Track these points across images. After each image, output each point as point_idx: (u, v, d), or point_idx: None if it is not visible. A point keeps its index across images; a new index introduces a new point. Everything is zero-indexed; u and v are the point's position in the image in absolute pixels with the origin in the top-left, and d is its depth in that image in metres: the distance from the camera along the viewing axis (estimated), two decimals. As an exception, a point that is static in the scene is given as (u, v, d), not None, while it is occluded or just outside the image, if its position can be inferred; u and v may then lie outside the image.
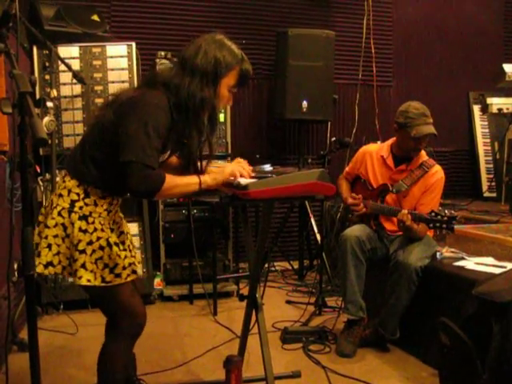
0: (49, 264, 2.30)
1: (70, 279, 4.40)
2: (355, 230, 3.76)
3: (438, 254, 3.73)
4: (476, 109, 6.62)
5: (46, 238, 2.30)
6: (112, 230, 2.42)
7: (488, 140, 6.59)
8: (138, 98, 2.27)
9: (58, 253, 2.31)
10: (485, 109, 5.72)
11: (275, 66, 5.70)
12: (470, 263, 3.51)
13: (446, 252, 3.82)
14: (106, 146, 2.28)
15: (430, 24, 6.54)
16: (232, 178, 2.43)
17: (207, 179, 2.36)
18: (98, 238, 2.31)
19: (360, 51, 6.16)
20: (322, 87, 5.42)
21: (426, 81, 6.52)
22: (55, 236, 2.30)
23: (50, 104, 4.16)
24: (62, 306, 4.36)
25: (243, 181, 2.37)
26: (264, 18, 5.92)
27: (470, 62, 6.68)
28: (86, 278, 2.27)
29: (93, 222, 2.32)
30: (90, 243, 2.29)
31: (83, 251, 2.28)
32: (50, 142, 4.25)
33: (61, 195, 2.33)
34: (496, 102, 5.56)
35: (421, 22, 6.51)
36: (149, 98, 2.24)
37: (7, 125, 3.47)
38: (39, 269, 2.28)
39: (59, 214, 2.30)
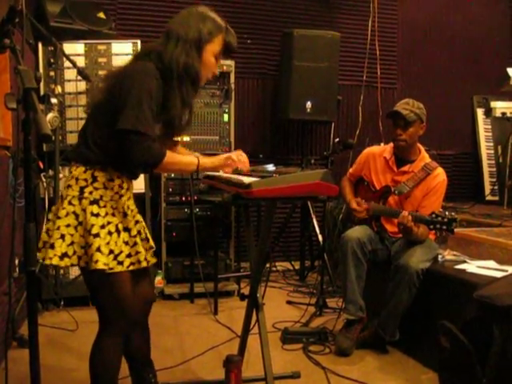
0: (64, 255, 2.27)
1: (71, 273, 4.43)
2: (356, 232, 3.76)
3: (439, 256, 3.73)
4: (480, 112, 6.62)
5: (59, 228, 2.27)
6: (125, 215, 2.41)
7: (491, 144, 6.59)
8: (128, 69, 2.32)
9: (72, 243, 2.28)
10: (488, 112, 5.73)
11: (280, 67, 5.70)
12: (472, 266, 3.51)
13: (447, 255, 3.82)
14: (104, 123, 2.29)
15: (435, 27, 6.54)
16: (232, 175, 2.50)
17: (206, 161, 2.44)
18: (108, 223, 2.32)
19: (365, 53, 6.16)
20: (327, 88, 5.42)
21: (430, 84, 6.52)
22: (67, 225, 2.28)
23: (54, 100, 4.17)
24: (62, 303, 4.36)
25: (246, 179, 2.38)
26: (269, 18, 5.92)
27: (475, 65, 6.68)
28: (102, 262, 2.25)
29: (104, 206, 2.33)
30: (102, 227, 2.30)
31: (97, 235, 2.27)
32: (53, 138, 4.25)
33: (69, 186, 2.33)
34: (500, 106, 5.56)
35: (426, 24, 6.51)
36: (138, 68, 2.29)
37: (11, 120, 3.48)
38: (55, 261, 2.25)
39: (69, 202, 2.30)
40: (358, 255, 3.66)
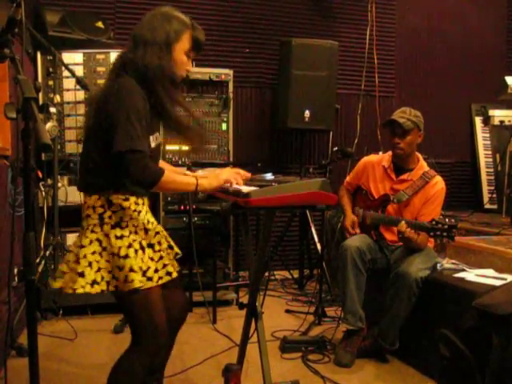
0: (94, 282, 2.27)
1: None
2: (356, 240, 3.76)
3: (438, 265, 3.73)
4: (478, 121, 6.64)
5: (85, 257, 2.28)
6: (147, 231, 2.42)
7: (489, 152, 6.60)
8: (109, 91, 2.29)
9: (99, 269, 2.29)
10: (487, 121, 5.75)
11: (278, 75, 5.72)
12: (471, 275, 3.50)
13: (446, 263, 3.82)
14: (102, 147, 2.28)
15: (433, 35, 6.57)
16: (228, 185, 2.48)
17: (204, 182, 2.41)
18: (133, 241, 2.33)
19: (363, 62, 6.18)
20: (325, 97, 5.44)
21: (429, 92, 6.54)
22: (93, 253, 2.29)
23: (53, 109, 4.18)
24: (61, 312, 4.35)
25: (245, 188, 2.38)
26: (268, 27, 5.94)
27: (473, 74, 6.70)
28: (138, 280, 2.26)
29: (126, 226, 2.34)
30: (129, 246, 2.30)
31: (127, 256, 2.28)
32: (52, 147, 4.25)
33: (88, 216, 2.33)
34: (498, 114, 5.59)
35: (424, 33, 6.54)
36: (119, 88, 2.26)
37: (10, 130, 3.48)
38: (87, 289, 2.26)
39: (92, 231, 2.31)
40: (357, 264, 3.66)
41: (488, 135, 6.65)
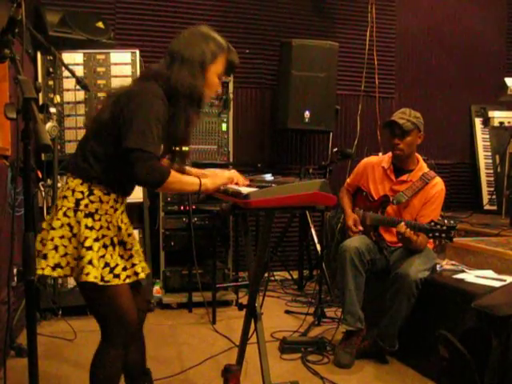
0: (57, 266, 2.28)
1: (69, 283, 4.43)
2: (355, 241, 3.76)
3: (437, 266, 3.73)
4: (478, 122, 6.64)
5: (52, 239, 2.28)
6: (120, 229, 2.43)
7: (489, 153, 6.60)
8: (135, 90, 2.33)
9: (66, 254, 2.29)
10: (486, 122, 5.75)
11: (278, 76, 5.72)
12: (470, 276, 3.51)
13: (445, 264, 3.83)
14: (107, 140, 2.30)
15: (433, 37, 6.58)
16: (230, 185, 2.51)
17: (207, 182, 2.44)
18: (103, 236, 2.33)
19: (363, 62, 6.19)
20: (325, 98, 5.44)
21: (428, 93, 6.55)
22: (61, 237, 2.29)
23: (53, 110, 4.18)
24: (60, 312, 4.35)
25: (244, 190, 2.38)
26: (268, 28, 5.94)
27: (473, 75, 6.71)
28: (93, 275, 2.25)
29: (99, 220, 2.34)
30: (96, 240, 2.30)
31: (90, 248, 2.28)
32: (52, 147, 4.25)
33: (65, 196, 2.33)
34: (498, 116, 5.58)
35: (424, 34, 6.55)
36: (145, 90, 2.30)
37: (9, 130, 3.48)
38: (47, 271, 2.26)
39: (64, 214, 2.31)
40: (356, 265, 3.66)
41: (488, 136, 6.66)
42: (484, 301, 2.76)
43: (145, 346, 2.73)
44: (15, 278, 3.61)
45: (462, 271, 3.67)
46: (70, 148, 4.56)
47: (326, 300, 4.91)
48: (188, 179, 2.43)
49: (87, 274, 2.24)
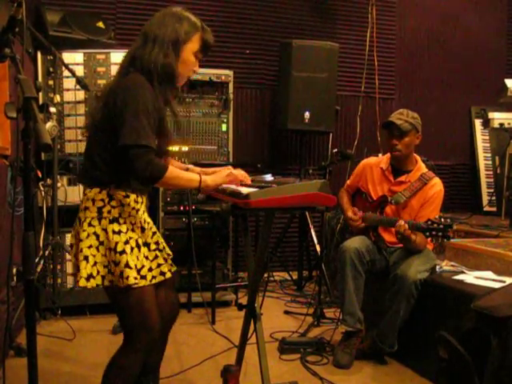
0: (90, 276, 2.29)
1: (69, 283, 4.42)
2: (354, 242, 3.76)
3: (437, 267, 3.73)
4: (477, 123, 6.64)
5: (82, 251, 2.30)
6: (143, 230, 2.43)
7: (489, 154, 6.61)
8: (119, 87, 2.31)
9: (95, 263, 2.31)
10: (486, 123, 5.74)
11: (278, 77, 5.72)
12: (470, 277, 3.51)
13: (445, 265, 3.82)
14: (108, 142, 2.30)
15: (433, 38, 6.59)
16: (231, 186, 2.51)
17: (207, 179, 2.43)
18: (130, 238, 2.34)
19: (363, 63, 6.19)
20: (325, 98, 5.44)
21: (428, 94, 6.55)
22: (89, 247, 2.30)
23: (53, 109, 4.17)
24: (59, 312, 4.35)
25: (244, 190, 2.38)
26: (268, 28, 5.95)
27: (473, 76, 6.71)
28: (133, 277, 2.28)
29: (124, 222, 2.35)
30: (126, 242, 2.32)
31: (123, 251, 2.29)
32: (52, 147, 4.25)
33: (86, 208, 2.34)
34: (497, 117, 5.58)
35: (424, 35, 6.56)
36: (128, 83, 2.29)
37: (9, 129, 3.48)
38: (82, 283, 2.28)
39: (89, 224, 2.32)
40: (356, 266, 3.65)
41: (487, 138, 6.66)
42: (483, 302, 2.75)
43: (166, 346, 2.73)
44: (15, 278, 3.61)
45: (462, 272, 3.67)
46: (70, 148, 4.57)
47: (326, 301, 4.91)
48: (187, 175, 2.43)
49: (127, 278, 2.27)
